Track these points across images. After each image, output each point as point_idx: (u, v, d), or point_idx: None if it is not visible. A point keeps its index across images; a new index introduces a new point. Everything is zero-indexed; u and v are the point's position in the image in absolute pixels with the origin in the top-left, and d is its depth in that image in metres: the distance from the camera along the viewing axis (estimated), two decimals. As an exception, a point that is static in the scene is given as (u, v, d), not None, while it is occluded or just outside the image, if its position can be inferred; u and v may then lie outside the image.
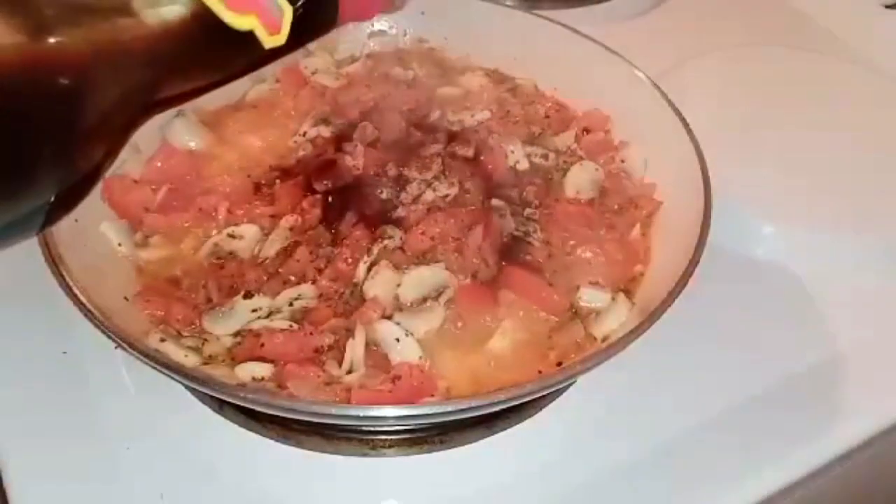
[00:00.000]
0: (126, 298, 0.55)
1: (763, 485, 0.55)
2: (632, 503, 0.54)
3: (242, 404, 0.50)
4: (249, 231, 0.60)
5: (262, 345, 0.53)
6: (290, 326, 0.55)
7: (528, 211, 0.64)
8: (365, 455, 0.55)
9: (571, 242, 0.62)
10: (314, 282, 0.57)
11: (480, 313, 0.57)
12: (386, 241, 0.59)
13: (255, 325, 0.55)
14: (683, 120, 0.64)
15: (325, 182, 0.63)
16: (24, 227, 0.34)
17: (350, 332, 0.54)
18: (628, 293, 0.59)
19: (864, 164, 0.75)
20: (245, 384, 0.51)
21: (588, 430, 0.57)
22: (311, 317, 0.56)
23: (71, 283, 0.49)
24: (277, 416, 0.53)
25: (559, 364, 0.55)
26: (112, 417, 0.55)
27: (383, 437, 0.55)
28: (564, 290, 0.59)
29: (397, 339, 0.54)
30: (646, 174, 0.68)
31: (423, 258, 0.59)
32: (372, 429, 0.55)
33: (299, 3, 0.37)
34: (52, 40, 0.32)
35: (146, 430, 0.54)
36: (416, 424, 0.54)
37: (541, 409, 0.57)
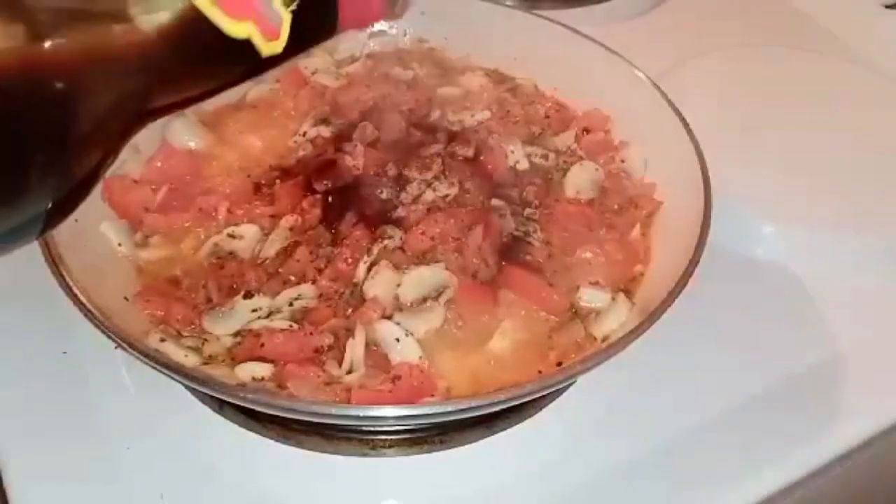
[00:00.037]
0: (126, 298, 0.55)
1: (763, 485, 0.55)
2: (632, 503, 0.54)
3: (242, 404, 0.50)
4: (249, 231, 0.60)
5: (262, 345, 0.53)
6: (290, 326, 0.54)
7: (528, 211, 0.64)
8: (365, 455, 0.55)
9: (571, 242, 0.62)
10: (314, 282, 0.57)
11: (480, 313, 0.57)
12: (386, 241, 0.59)
13: (255, 325, 0.55)
14: (683, 120, 0.64)
15: (325, 182, 0.63)
16: (24, 232, 0.34)
17: (350, 332, 0.54)
18: (628, 293, 0.59)
19: (864, 164, 0.75)
20: (245, 384, 0.51)
21: (588, 430, 0.57)
22: (311, 317, 0.56)
23: (71, 283, 0.49)
24: (277, 416, 0.53)
25: (559, 364, 0.55)
26: (112, 417, 0.55)
27: (383, 437, 0.55)
28: (564, 290, 0.59)
29: (397, 339, 0.54)
30: (646, 174, 0.68)
31: (423, 258, 0.59)
32: (372, 429, 0.55)
33: (294, 3, 0.37)
34: (46, 45, 0.32)
35: (146, 430, 0.54)
36: (416, 424, 0.54)
37: (541, 409, 0.57)
